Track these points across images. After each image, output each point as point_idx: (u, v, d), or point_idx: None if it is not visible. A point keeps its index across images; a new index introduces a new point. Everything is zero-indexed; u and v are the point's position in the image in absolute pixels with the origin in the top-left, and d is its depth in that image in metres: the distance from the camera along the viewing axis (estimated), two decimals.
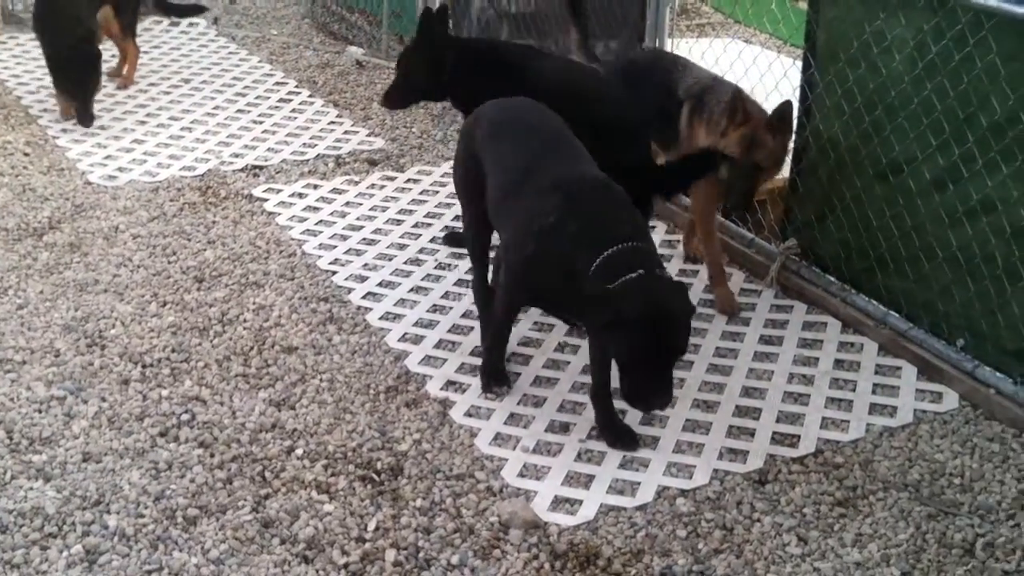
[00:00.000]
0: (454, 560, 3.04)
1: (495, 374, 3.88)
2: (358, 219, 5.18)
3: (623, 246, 3.29)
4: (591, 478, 3.41)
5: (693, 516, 3.22)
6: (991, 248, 3.71)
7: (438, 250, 4.92)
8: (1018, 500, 3.27)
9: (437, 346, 4.15)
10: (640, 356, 3.21)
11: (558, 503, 3.30)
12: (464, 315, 4.37)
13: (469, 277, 4.65)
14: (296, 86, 6.88)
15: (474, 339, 4.19)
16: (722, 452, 3.51)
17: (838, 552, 3.05)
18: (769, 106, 4.25)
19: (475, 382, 3.90)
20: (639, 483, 3.38)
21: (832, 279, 4.41)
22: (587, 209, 3.44)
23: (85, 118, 5.96)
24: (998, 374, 3.73)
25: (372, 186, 5.55)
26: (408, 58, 4.85)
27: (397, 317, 4.36)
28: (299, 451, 3.50)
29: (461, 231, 4.72)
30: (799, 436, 3.59)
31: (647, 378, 3.24)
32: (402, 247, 4.95)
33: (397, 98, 4.96)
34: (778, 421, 3.68)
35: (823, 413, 3.73)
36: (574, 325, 3.99)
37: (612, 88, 4.60)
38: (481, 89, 4.27)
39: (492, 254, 4.13)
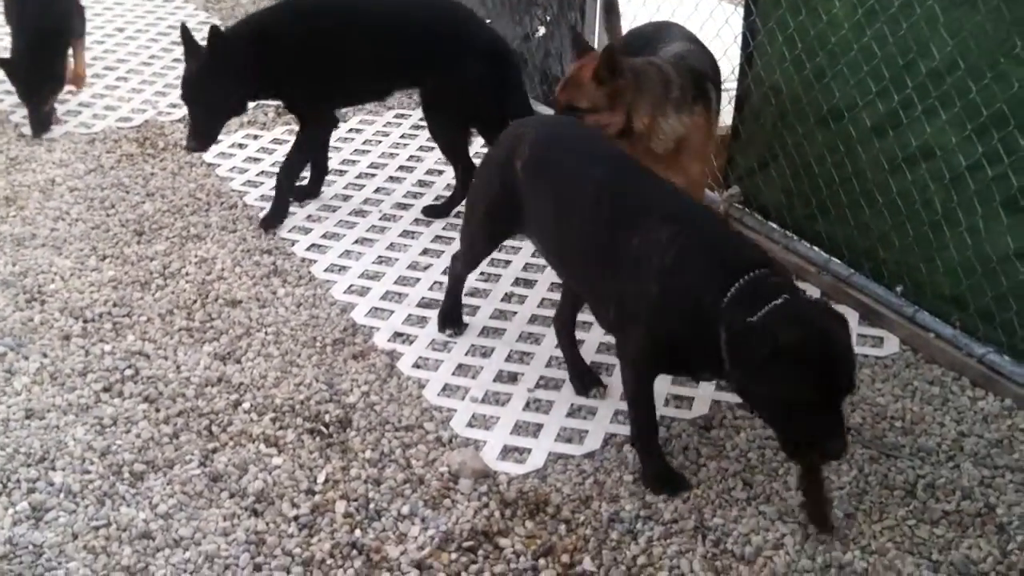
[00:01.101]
0: (404, 510, 3.06)
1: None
2: None
3: (756, 273, 2.78)
4: (540, 427, 3.43)
5: (640, 462, 3.25)
6: (930, 194, 3.77)
7: (382, 200, 4.88)
8: (957, 442, 3.35)
9: (383, 298, 4.14)
10: (807, 394, 2.63)
11: (507, 452, 3.32)
12: (410, 266, 4.35)
13: (415, 228, 4.65)
14: None
15: (421, 290, 4.18)
16: (668, 399, 3.55)
17: (782, 495, 3.11)
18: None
19: (422, 333, 3.90)
20: (587, 431, 3.41)
21: (775, 226, 4.45)
22: (708, 238, 2.97)
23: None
24: (937, 319, 3.80)
25: None
26: (198, 83, 4.38)
27: (342, 269, 4.33)
28: (246, 405, 3.48)
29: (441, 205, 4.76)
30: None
31: (817, 421, 2.66)
32: (346, 198, 4.90)
33: (207, 132, 4.50)
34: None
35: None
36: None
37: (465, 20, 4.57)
38: (320, 58, 4.28)
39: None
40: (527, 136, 3.38)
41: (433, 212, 4.75)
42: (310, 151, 4.72)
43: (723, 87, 4.22)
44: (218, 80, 4.32)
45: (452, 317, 3.91)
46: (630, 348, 3.10)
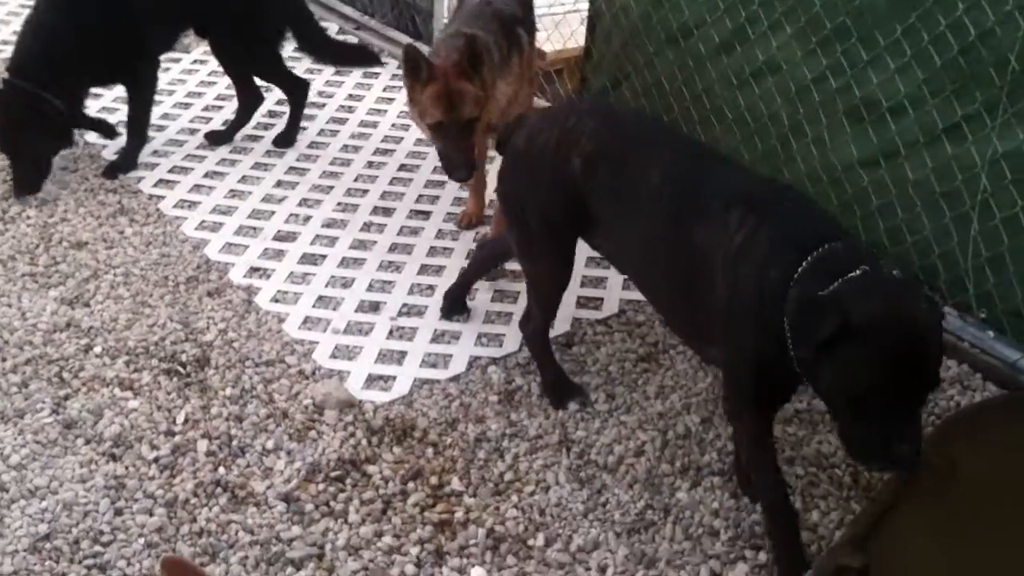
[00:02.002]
0: (269, 445, 3.02)
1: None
2: None
3: (832, 245, 2.35)
4: (403, 354, 3.42)
5: (505, 383, 3.28)
6: (776, 108, 3.85)
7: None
8: None
9: (237, 233, 4.04)
10: (878, 385, 2.16)
11: (372, 381, 3.30)
12: (264, 199, 4.25)
13: (267, 160, 4.54)
14: None
15: (276, 224, 4.10)
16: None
17: (642, 405, 3.18)
18: None
19: (279, 267, 3.83)
20: (451, 355, 3.41)
21: None
22: (777, 213, 2.49)
23: None
24: None
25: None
26: (13, 134, 4.13)
27: (192, 205, 4.20)
28: (97, 349, 3.36)
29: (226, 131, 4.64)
30: (602, 299, 3.69)
31: (888, 419, 2.18)
32: (192, 132, 4.75)
33: (35, 178, 4.19)
34: (582, 286, 3.76)
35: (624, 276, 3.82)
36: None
37: None
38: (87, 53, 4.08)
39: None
40: (584, 127, 2.85)
41: (283, 142, 4.65)
42: (151, 102, 4.52)
43: (569, 8, 4.19)
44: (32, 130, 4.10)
45: (567, 388, 3.21)
46: (726, 393, 2.69)
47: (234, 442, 3.03)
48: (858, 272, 2.24)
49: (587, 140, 2.81)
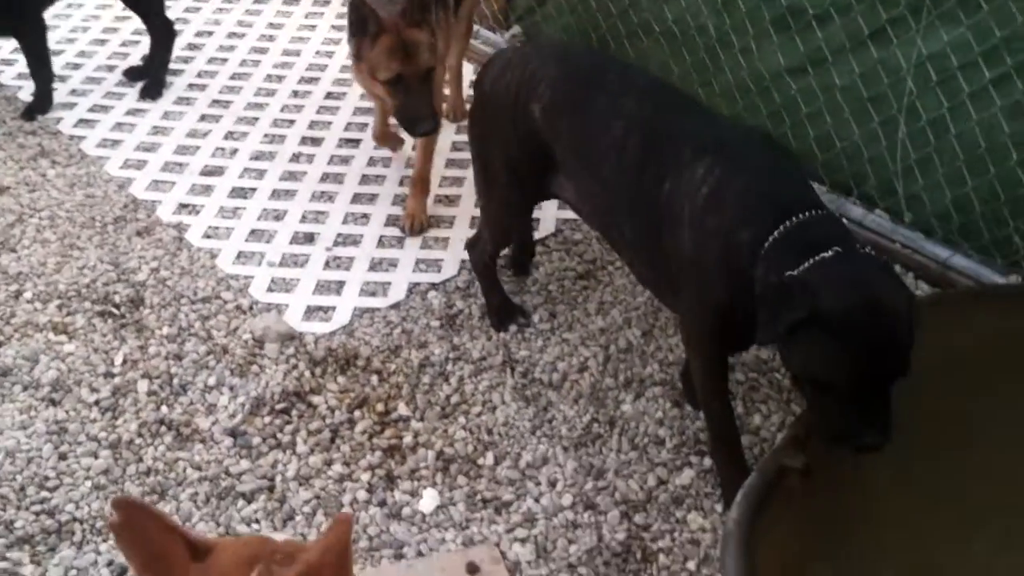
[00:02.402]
0: (211, 381, 2.99)
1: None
2: (58, 43, 4.75)
3: (806, 216, 2.26)
4: (342, 284, 3.39)
5: (446, 307, 3.28)
6: (703, 19, 3.83)
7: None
8: None
9: (163, 169, 3.95)
10: (844, 374, 2.14)
11: (311, 312, 3.27)
12: (188, 134, 4.16)
13: (189, 94, 4.43)
14: None
15: (202, 158, 4.02)
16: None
17: (583, 322, 3.20)
18: None
19: (208, 202, 3.76)
20: (390, 283, 3.40)
21: None
22: (747, 167, 2.40)
23: None
24: None
25: (70, 5, 5.10)
26: None
27: (115, 143, 4.10)
28: (28, 294, 3.29)
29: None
30: (538, 219, 3.67)
31: (854, 407, 2.15)
32: (110, 68, 4.61)
33: None
34: None
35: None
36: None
37: None
38: None
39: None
40: (544, 74, 2.74)
41: (151, 91, 4.43)
42: (45, 49, 4.34)
43: None
44: None
45: (509, 309, 3.22)
46: (683, 330, 2.69)
47: (175, 380, 3.00)
48: (830, 253, 2.17)
49: (545, 88, 2.72)
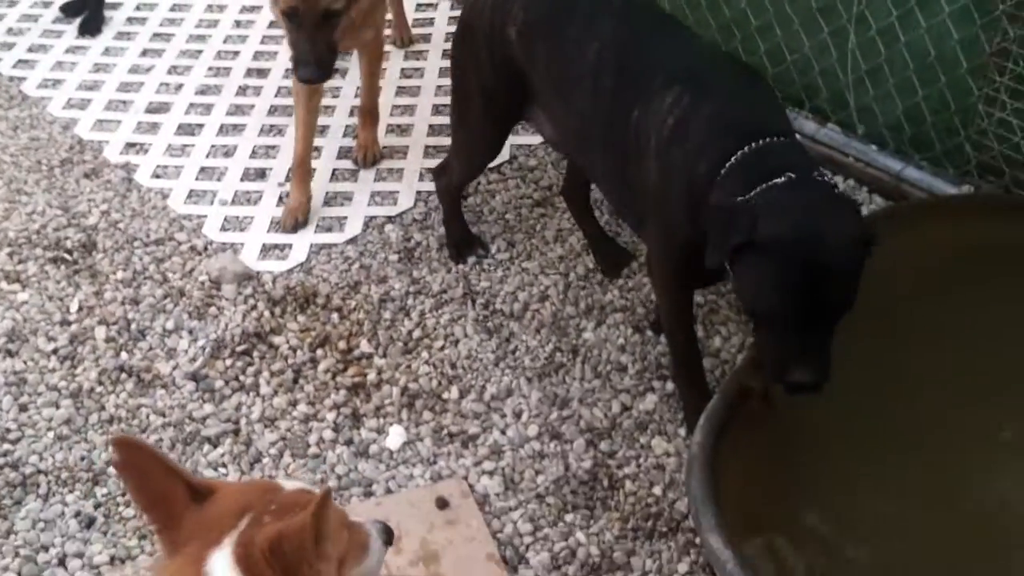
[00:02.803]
0: (169, 325, 2.97)
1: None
2: None
3: (764, 142, 2.20)
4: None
5: (403, 240, 3.26)
6: None
7: None
8: None
9: (108, 108, 3.86)
10: (782, 304, 2.07)
11: (267, 251, 3.24)
12: (131, 70, 4.06)
13: (129, 29, 4.31)
14: None
15: (147, 95, 3.93)
16: (422, 174, 3.52)
17: (542, 250, 3.20)
18: None
19: (156, 140, 3.69)
20: (346, 217, 3.36)
21: None
22: (717, 95, 2.32)
23: None
24: None
25: None
26: None
27: (57, 83, 3.99)
28: None
29: None
30: None
31: (786, 340, 2.09)
32: (47, 4, 4.47)
33: None
34: None
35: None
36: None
37: None
38: None
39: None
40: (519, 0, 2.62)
41: (88, 28, 4.29)
42: None
43: None
44: None
45: (467, 241, 3.19)
46: (649, 262, 2.64)
47: (133, 326, 2.97)
48: (783, 179, 2.11)
49: (519, 9, 2.60)
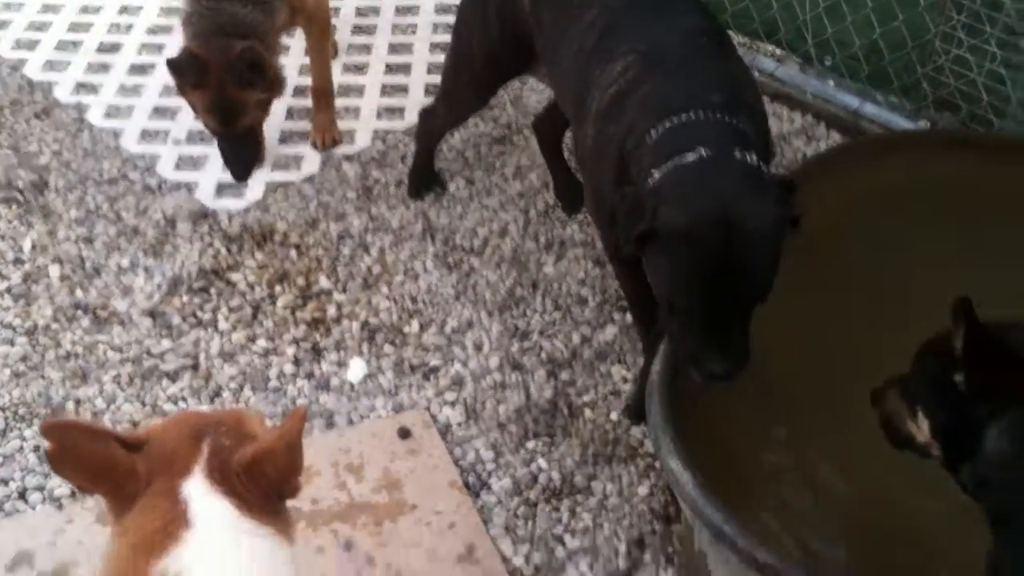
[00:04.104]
0: (124, 263, 2.93)
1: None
2: None
3: (691, 116, 2.01)
4: None
5: (361, 178, 3.23)
6: None
7: None
8: None
9: (58, 48, 3.79)
10: (684, 295, 1.95)
11: (223, 189, 3.20)
12: (81, 10, 3.98)
13: None
14: None
15: (98, 35, 3.86)
16: (380, 112, 3.50)
17: (502, 187, 3.18)
18: None
19: (107, 80, 3.63)
20: (302, 156, 3.33)
21: None
22: (662, 73, 2.15)
23: None
24: None
25: None
26: None
27: (4, 24, 3.92)
28: None
29: None
30: None
31: (706, 328, 1.95)
32: None
33: None
34: (429, 72, 3.67)
35: None
36: None
37: None
38: None
39: None
40: None
41: None
42: None
43: None
44: None
45: (428, 179, 3.17)
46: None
47: (87, 264, 2.93)
48: (692, 156, 1.94)
49: None
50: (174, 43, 3.79)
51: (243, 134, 3.03)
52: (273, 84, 3.01)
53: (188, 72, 2.89)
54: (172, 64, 2.89)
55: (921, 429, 1.68)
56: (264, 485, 1.41)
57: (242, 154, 3.07)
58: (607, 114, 2.17)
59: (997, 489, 1.53)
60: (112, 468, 1.40)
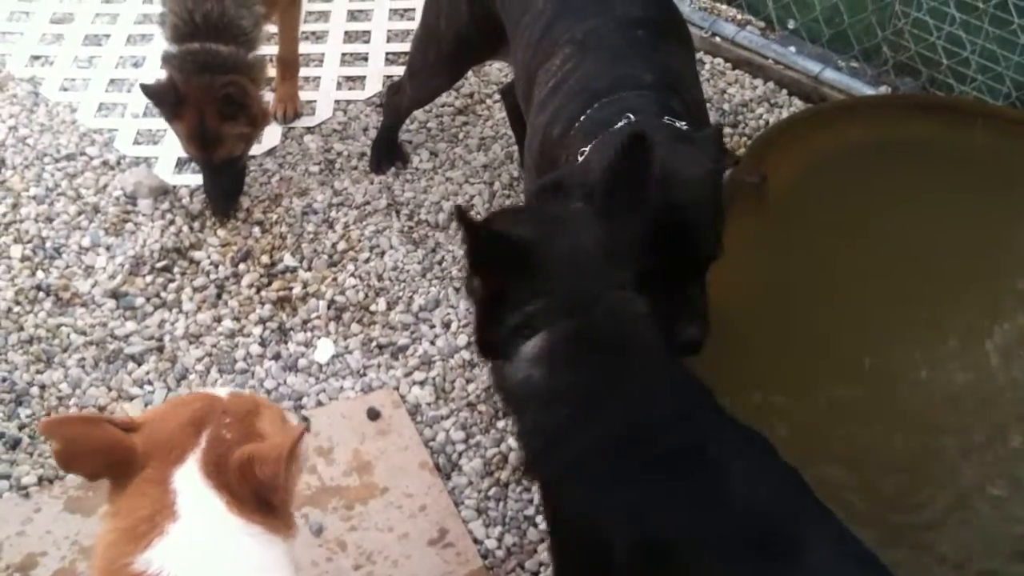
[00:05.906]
0: (85, 242, 2.89)
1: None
2: None
3: (617, 96, 2.03)
4: None
5: (324, 151, 3.20)
6: None
7: None
8: None
9: (9, 20, 3.71)
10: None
11: (183, 164, 3.16)
12: None
13: None
14: None
15: (51, 4, 3.78)
16: (340, 83, 3.46)
17: (466, 159, 3.17)
18: None
19: (62, 52, 3.56)
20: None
21: None
22: (595, 57, 2.15)
23: None
24: None
25: None
26: None
27: None
28: None
29: None
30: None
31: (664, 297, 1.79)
32: None
33: None
34: (389, 41, 3.64)
35: None
36: None
37: None
38: None
39: None
40: None
41: None
42: None
43: None
44: None
45: (390, 153, 3.14)
46: None
47: (48, 243, 2.89)
48: (620, 124, 1.94)
49: None
50: (130, 11, 3.74)
51: (224, 165, 2.94)
52: (256, 119, 2.92)
53: (164, 102, 2.83)
54: (147, 91, 2.83)
55: None
56: (255, 485, 1.40)
57: (223, 185, 2.98)
58: (541, 106, 2.15)
59: None
60: (113, 450, 1.41)
